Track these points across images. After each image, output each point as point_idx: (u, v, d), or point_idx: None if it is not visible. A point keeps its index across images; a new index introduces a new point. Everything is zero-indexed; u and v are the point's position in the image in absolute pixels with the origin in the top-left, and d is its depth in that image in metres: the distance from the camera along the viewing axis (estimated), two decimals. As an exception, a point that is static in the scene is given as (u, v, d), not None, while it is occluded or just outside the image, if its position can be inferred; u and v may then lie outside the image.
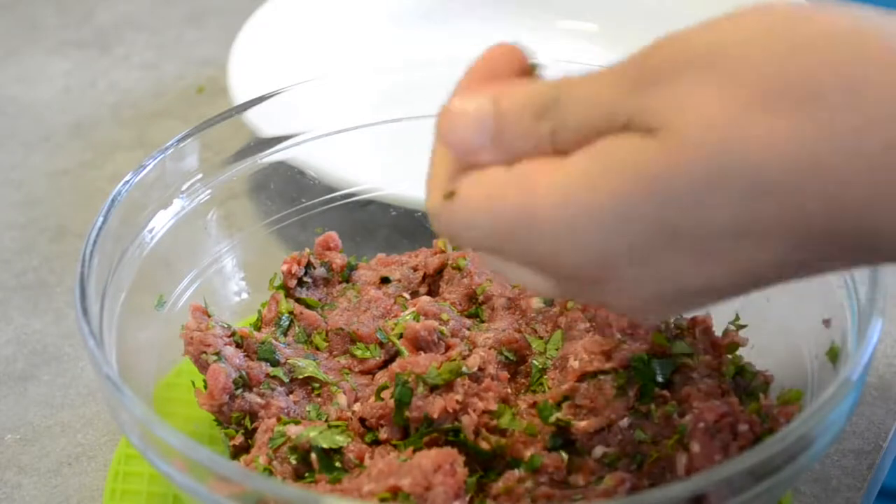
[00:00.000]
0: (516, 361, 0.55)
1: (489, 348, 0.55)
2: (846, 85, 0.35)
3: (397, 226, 0.67)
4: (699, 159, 0.36)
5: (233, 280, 0.63)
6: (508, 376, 0.55)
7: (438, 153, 0.43)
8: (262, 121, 0.63)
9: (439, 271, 0.61)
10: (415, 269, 0.61)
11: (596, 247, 0.38)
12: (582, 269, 0.39)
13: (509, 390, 0.54)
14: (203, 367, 0.54)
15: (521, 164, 0.40)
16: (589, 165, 0.38)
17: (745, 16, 0.37)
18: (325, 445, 0.50)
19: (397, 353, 0.56)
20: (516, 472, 0.49)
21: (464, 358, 0.53)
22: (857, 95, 0.35)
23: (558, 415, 0.52)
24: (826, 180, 0.36)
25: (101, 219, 0.54)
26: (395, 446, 0.52)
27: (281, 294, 0.59)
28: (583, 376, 0.53)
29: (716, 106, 0.36)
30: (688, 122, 0.36)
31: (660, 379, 0.52)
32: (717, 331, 0.56)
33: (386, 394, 0.52)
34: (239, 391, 0.53)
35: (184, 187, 0.60)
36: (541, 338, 0.56)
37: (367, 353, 0.57)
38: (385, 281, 0.61)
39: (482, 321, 0.58)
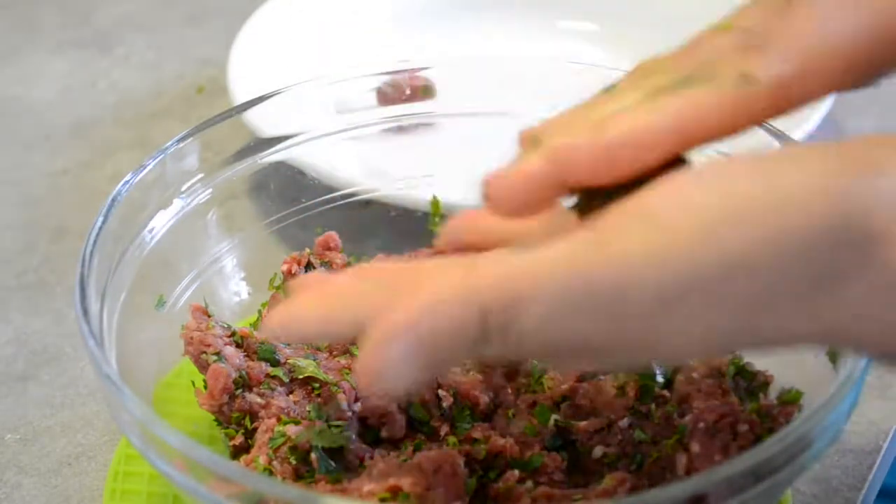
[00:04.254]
0: (516, 361, 0.55)
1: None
2: None
3: (397, 226, 0.67)
4: None
5: (233, 280, 0.63)
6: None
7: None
8: (262, 121, 0.63)
9: (439, 271, 0.61)
10: (415, 269, 0.61)
11: None
12: None
13: (508, 389, 0.54)
14: (203, 367, 0.54)
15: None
16: None
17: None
18: (325, 445, 0.50)
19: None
20: (516, 472, 0.49)
21: None
22: None
23: (556, 416, 0.52)
24: None
25: (101, 219, 0.54)
26: (395, 446, 0.52)
27: (281, 294, 0.59)
28: (583, 376, 0.53)
29: None
30: None
31: (660, 379, 0.52)
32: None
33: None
34: (239, 391, 0.53)
35: (184, 187, 0.60)
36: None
37: (367, 353, 0.56)
38: (385, 281, 0.60)
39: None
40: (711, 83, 0.39)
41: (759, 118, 0.40)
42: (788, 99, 0.40)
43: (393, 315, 0.36)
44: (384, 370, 0.36)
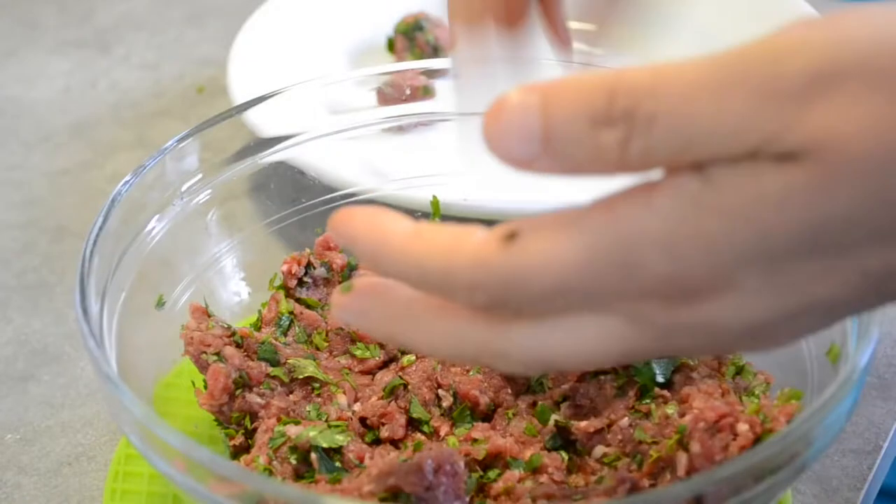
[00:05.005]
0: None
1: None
2: None
3: (397, 226, 0.67)
4: (859, 180, 0.33)
5: (233, 280, 0.63)
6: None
7: None
8: (262, 121, 0.63)
9: (439, 271, 0.61)
10: (415, 269, 0.61)
11: (722, 256, 0.34)
12: (693, 278, 0.35)
13: (509, 389, 0.54)
14: (203, 367, 0.54)
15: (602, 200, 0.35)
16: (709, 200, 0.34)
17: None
18: (325, 445, 0.50)
19: (397, 354, 0.57)
20: (516, 473, 0.50)
21: None
22: None
23: (556, 417, 0.52)
24: None
25: (101, 219, 0.54)
26: (395, 446, 0.52)
27: (281, 294, 0.59)
28: (583, 376, 0.53)
29: (879, 122, 0.32)
30: (847, 143, 0.32)
31: (660, 379, 0.52)
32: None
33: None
34: (239, 391, 0.53)
35: (184, 187, 0.60)
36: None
37: (367, 353, 0.57)
38: (385, 281, 0.61)
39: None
40: None
41: None
42: None
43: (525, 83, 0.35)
44: (503, 125, 0.35)
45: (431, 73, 0.66)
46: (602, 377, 0.53)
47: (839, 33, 0.33)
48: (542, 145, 0.34)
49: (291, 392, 0.55)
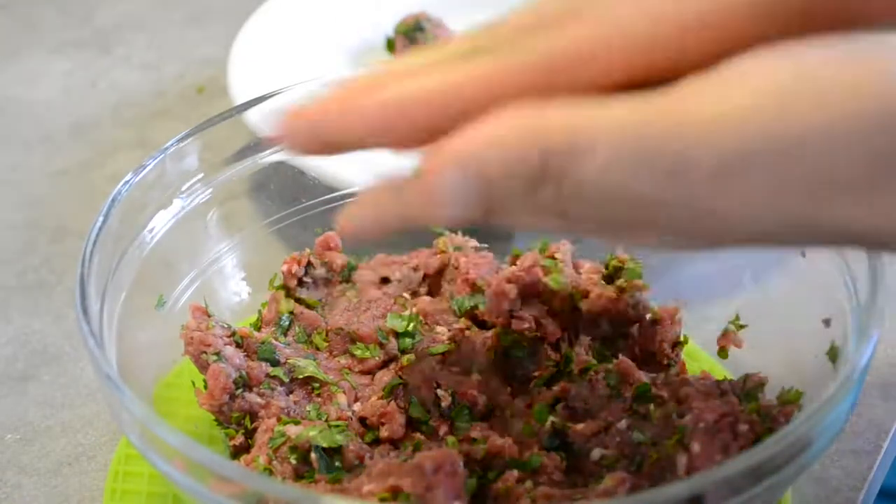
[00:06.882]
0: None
1: (488, 349, 0.55)
2: None
3: (397, 226, 0.67)
4: None
5: (233, 280, 0.63)
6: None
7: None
8: (262, 121, 0.63)
9: (440, 271, 0.61)
10: (415, 269, 0.61)
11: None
12: None
13: (508, 388, 0.54)
14: (203, 367, 0.54)
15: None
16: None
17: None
18: (325, 445, 0.50)
19: (397, 354, 0.57)
20: (515, 473, 0.49)
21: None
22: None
23: (553, 419, 0.52)
24: None
25: (101, 219, 0.54)
26: (395, 446, 0.52)
27: (281, 294, 0.59)
28: (571, 377, 0.53)
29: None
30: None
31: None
32: (717, 331, 0.56)
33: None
34: (239, 391, 0.53)
35: (184, 187, 0.60)
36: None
37: (367, 353, 0.57)
38: (385, 281, 0.61)
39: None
40: (490, 54, 0.38)
41: (532, 89, 0.36)
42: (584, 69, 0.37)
43: (454, 142, 0.35)
44: (439, 194, 0.35)
45: (431, 74, 0.66)
46: (592, 374, 0.53)
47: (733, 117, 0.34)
48: (479, 207, 0.35)
49: (291, 392, 0.55)
